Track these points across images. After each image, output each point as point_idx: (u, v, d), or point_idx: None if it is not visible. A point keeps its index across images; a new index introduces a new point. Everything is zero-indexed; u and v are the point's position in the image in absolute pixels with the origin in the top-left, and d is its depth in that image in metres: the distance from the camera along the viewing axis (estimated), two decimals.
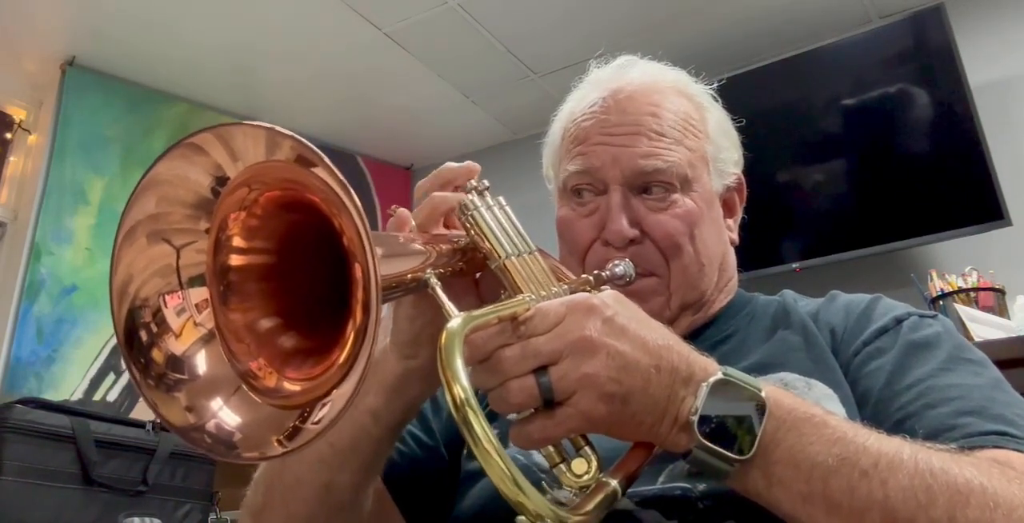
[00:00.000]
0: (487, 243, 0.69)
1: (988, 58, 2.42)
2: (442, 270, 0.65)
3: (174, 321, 0.57)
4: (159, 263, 0.57)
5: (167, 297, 0.57)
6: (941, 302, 1.97)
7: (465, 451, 0.90)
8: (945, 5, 2.36)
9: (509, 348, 0.58)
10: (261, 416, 0.55)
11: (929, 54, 2.37)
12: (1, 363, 2.51)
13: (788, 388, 0.77)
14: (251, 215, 0.58)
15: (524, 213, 0.74)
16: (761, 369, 0.81)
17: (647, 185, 0.89)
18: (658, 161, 0.87)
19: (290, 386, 0.56)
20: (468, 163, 0.77)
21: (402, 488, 0.87)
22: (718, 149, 0.94)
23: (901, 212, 2.31)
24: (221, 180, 0.56)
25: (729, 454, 0.57)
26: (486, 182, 0.74)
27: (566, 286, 0.69)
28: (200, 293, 0.58)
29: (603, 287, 0.73)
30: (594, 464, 0.60)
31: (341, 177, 0.50)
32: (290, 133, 0.51)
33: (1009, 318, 1.90)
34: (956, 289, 1.97)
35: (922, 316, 0.85)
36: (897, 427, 0.70)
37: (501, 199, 0.73)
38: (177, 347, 0.57)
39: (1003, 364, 0.83)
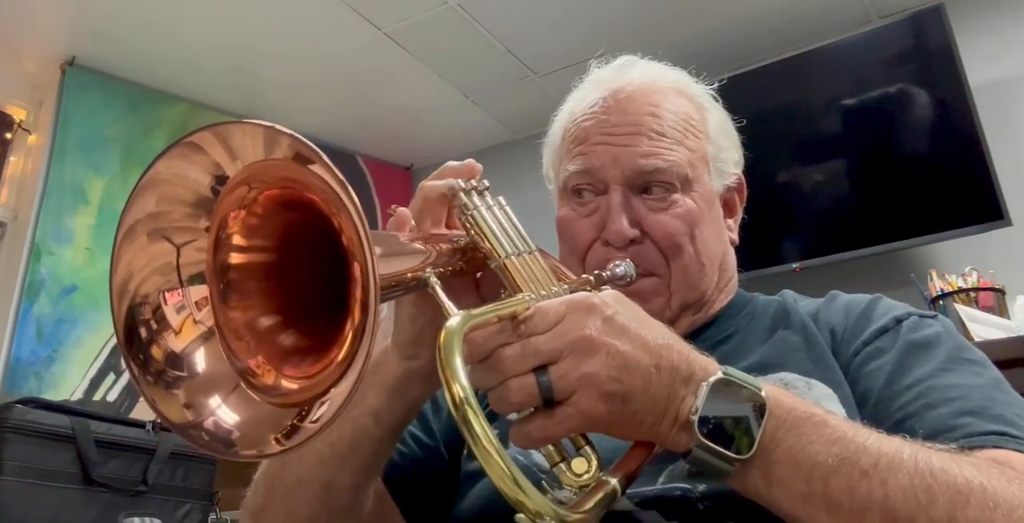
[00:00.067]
0: (487, 243, 0.69)
1: (988, 58, 2.42)
2: (442, 269, 0.65)
3: (174, 318, 0.58)
4: (159, 261, 0.58)
5: (167, 294, 0.58)
6: (941, 302, 1.97)
7: (465, 451, 0.90)
8: (945, 5, 2.36)
9: (509, 347, 0.58)
10: (259, 414, 0.55)
11: (929, 54, 2.37)
12: (1, 363, 2.51)
13: (788, 388, 0.77)
14: (251, 214, 0.58)
15: (524, 213, 0.74)
16: (761, 369, 0.81)
17: (647, 185, 0.89)
18: (659, 160, 0.87)
19: (288, 384, 0.56)
20: (469, 161, 0.77)
21: (402, 488, 0.87)
22: (718, 149, 0.95)
23: (901, 212, 2.31)
24: (220, 179, 0.56)
25: (729, 454, 0.57)
26: (486, 182, 0.74)
27: (566, 286, 0.69)
28: (200, 291, 0.58)
29: (603, 287, 0.73)
30: (594, 463, 0.60)
31: (340, 175, 0.50)
32: (288, 131, 0.51)
33: (1009, 318, 1.90)
34: (956, 289, 1.97)
35: (922, 316, 0.85)
36: (897, 427, 0.70)
37: (501, 199, 0.73)
38: (177, 344, 0.57)
39: (1003, 364, 0.83)
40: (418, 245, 0.66)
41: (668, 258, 0.88)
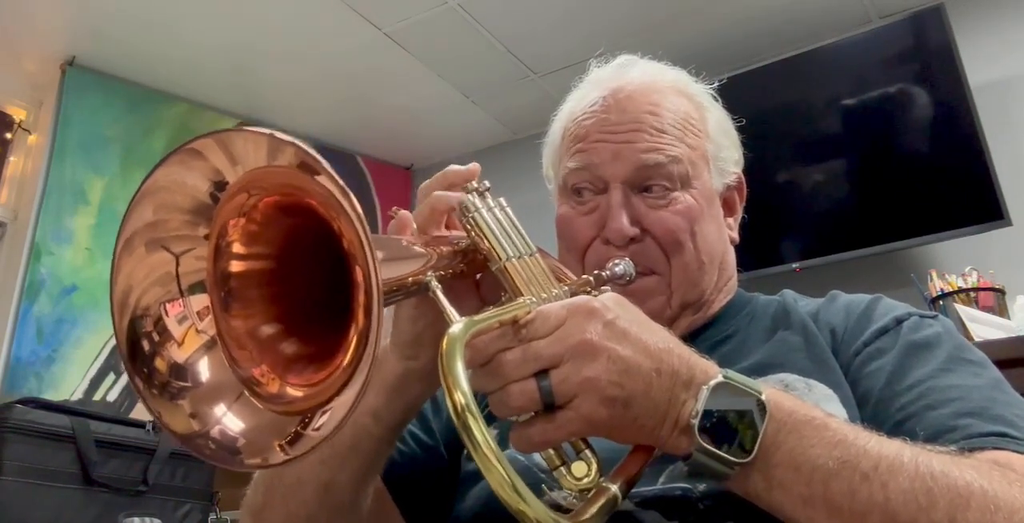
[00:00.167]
0: (487, 245, 0.69)
1: (988, 58, 2.42)
2: (443, 272, 0.65)
3: (176, 329, 0.57)
4: (159, 271, 0.57)
5: (168, 305, 0.57)
6: (941, 302, 1.97)
7: (465, 452, 0.90)
8: (945, 5, 2.36)
9: (510, 352, 0.58)
10: (264, 422, 0.55)
11: (929, 54, 2.37)
12: (1, 363, 2.51)
13: (788, 389, 0.77)
14: (251, 221, 0.58)
15: (524, 213, 0.74)
16: (761, 370, 0.81)
17: (648, 182, 0.89)
18: (660, 155, 0.88)
19: (292, 392, 0.56)
20: (472, 165, 0.77)
21: (402, 488, 0.87)
22: (718, 148, 0.95)
23: (901, 212, 2.31)
24: (220, 185, 0.55)
25: (729, 457, 0.58)
26: (487, 183, 0.74)
27: (567, 287, 0.69)
28: (201, 300, 0.58)
29: (603, 287, 0.73)
30: (594, 467, 0.60)
31: (342, 183, 0.49)
32: (291, 139, 0.51)
33: (1009, 318, 1.90)
34: (956, 289, 1.97)
35: (922, 316, 0.85)
36: (897, 428, 0.70)
37: (502, 200, 0.73)
38: (180, 355, 0.57)
39: (1003, 364, 0.83)
40: (419, 248, 0.65)
41: (669, 255, 0.88)
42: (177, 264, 0.57)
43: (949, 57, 2.30)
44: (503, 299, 0.67)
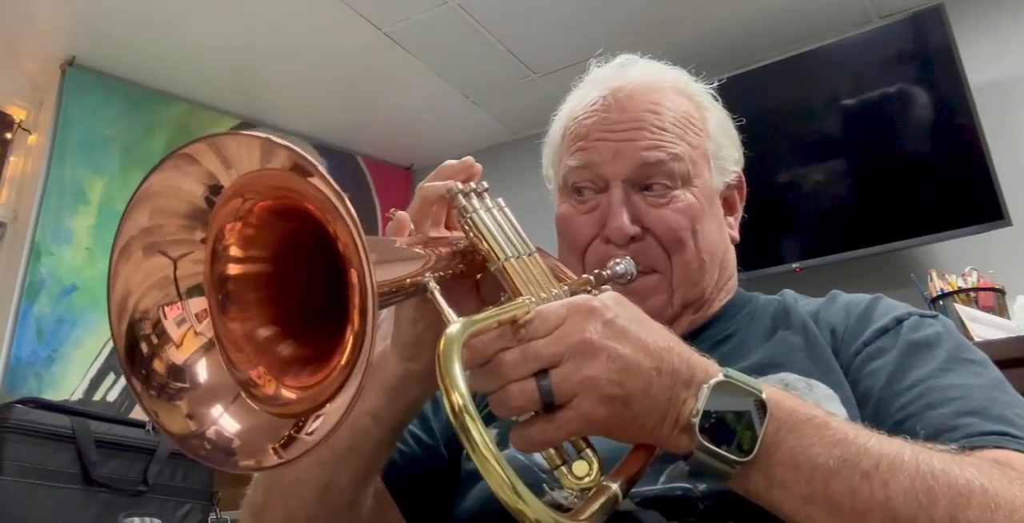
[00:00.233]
0: (486, 245, 0.69)
1: (988, 58, 2.42)
2: (441, 273, 0.65)
3: (174, 331, 0.57)
4: (156, 275, 0.57)
5: (167, 308, 0.57)
6: (941, 302, 1.97)
7: (465, 452, 0.90)
8: (945, 5, 2.36)
9: (509, 352, 0.58)
10: (259, 424, 0.55)
11: (929, 54, 2.37)
12: (1, 363, 2.50)
13: (789, 389, 0.77)
14: (246, 225, 0.58)
15: (523, 213, 0.74)
16: (761, 369, 0.81)
17: (649, 181, 0.89)
18: (661, 153, 0.88)
19: (289, 394, 0.56)
20: (467, 159, 0.77)
21: (402, 488, 0.87)
22: (719, 147, 0.95)
23: (901, 212, 2.31)
24: (214, 189, 0.56)
25: (730, 456, 0.57)
26: (485, 184, 0.74)
27: (566, 287, 0.69)
28: (199, 303, 0.58)
29: (604, 286, 0.73)
30: (595, 466, 0.60)
31: (335, 185, 0.50)
32: (284, 142, 0.51)
33: (1009, 318, 1.90)
34: (956, 289, 1.97)
35: (923, 316, 0.85)
36: (898, 427, 0.70)
37: (500, 200, 0.72)
38: (178, 357, 0.57)
39: (1003, 364, 0.83)
40: (417, 249, 0.65)
41: (669, 253, 0.88)
42: (175, 268, 0.57)
43: (949, 57, 2.31)
44: (502, 299, 0.67)
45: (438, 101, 3.15)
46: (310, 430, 0.51)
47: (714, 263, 0.92)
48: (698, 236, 0.89)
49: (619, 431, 0.59)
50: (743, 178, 1.00)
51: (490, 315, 0.58)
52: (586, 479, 0.59)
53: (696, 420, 0.58)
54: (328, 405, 0.51)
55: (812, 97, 2.55)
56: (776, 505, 0.59)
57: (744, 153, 1.01)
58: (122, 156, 2.89)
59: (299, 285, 0.61)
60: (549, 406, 0.57)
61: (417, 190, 0.75)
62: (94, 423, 1.96)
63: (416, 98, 3.13)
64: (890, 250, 2.32)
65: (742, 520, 0.69)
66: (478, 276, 0.76)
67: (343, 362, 0.52)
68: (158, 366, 0.56)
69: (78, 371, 2.62)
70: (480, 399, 0.60)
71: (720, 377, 0.60)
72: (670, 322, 0.87)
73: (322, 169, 0.50)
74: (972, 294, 1.95)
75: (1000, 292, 1.97)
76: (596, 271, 0.76)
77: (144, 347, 0.57)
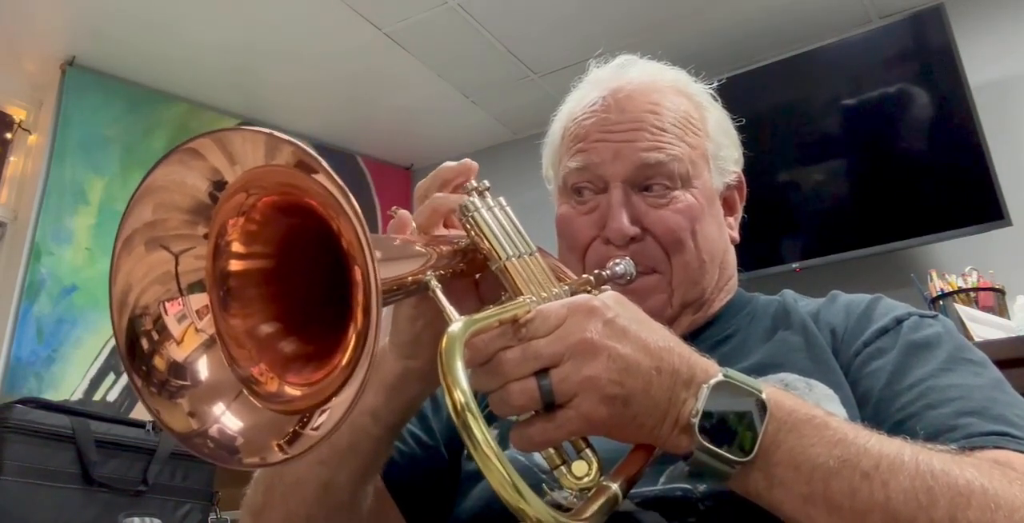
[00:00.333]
0: (487, 244, 0.69)
1: (988, 58, 2.42)
2: (442, 272, 0.65)
3: (175, 328, 0.57)
4: (158, 270, 0.57)
5: (167, 304, 0.57)
6: (941, 302, 1.97)
7: (465, 452, 0.90)
8: (945, 5, 2.36)
9: (510, 351, 0.58)
10: (262, 421, 0.55)
11: (929, 54, 2.37)
12: (1, 363, 2.51)
13: (789, 389, 0.77)
14: (250, 220, 0.57)
15: (524, 213, 0.74)
16: (761, 369, 0.81)
17: (648, 182, 0.89)
18: (661, 154, 0.88)
19: (291, 391, 0.56)
20: (465, 161, 0.77)
21: (402, 487, 0.87)
22: (718, 147, 0.95)
23: (901, 212, 2.31)
24: (219, 184, 0.55)
25: (730, 456, 0.57)
26: (486, 182, 0.74)
27: (567, 287, 0.69)
28: (200, 299, 0.58)
29: (604, 286, 0.73)
30: (595, 466, 0.60)
31: (340, 182, 0.49)
32: (289, 138, 0.51)
33: (1009, 318, 1.90)
34: (956, 289, 1.97)
35: (923, 316, 0.85)
36: (898, 427, 0.70)
37: (501, 200, 0.72)
38: (179, 354, 0.57)
39: (1003, 364, 0.83)
40: (418, 248, 0.65)
41: (669, 254, 0.88)
42: (176, 263, 0.57)
43: (949, 57, 2.31)
44: (503, 298, 0.67)
45: (438, 101, 3.15)
46: (315, 425, 0.51)
47: (714, 263, 0.92)
48: (698, 236, 0.89)
49: (619, 431, 0.59)
50: (743, 178, 1.00)
51: (491, 314, 0.58)
52: (586, 479, 0.59)
53: (696, 420, 0.58)
54: (333, 399, 0.51)
55: (812, 97, 2.55)
56: (776, 505, 0.59)
57: (744, 153, 1.01)
58: (122, 156, 2.89)
59: (301, 282, 0.61)
60: (549, 406, 0.57)
61: (429, 199, 0.75)
62: (94, 423, 1.96)
63: (416, 98, 3.13)
64: (890, 250, 2.32)
65: (742, 521, 0.69)
66: (478, 275, 0.76)
67: (346, 359, 0.52)
68: (159, 363, 0.56)
69: (78, 371, 2.62)
70: (480, 399, 0.60)
71: (720, 377, 0.60)
72: (670, 322, 0.87)
73: (326, 165, 0.50)
74: (972, 294, 1.95)
75: (1000, 292, 1.97)
76: (596, 271, 0.76)
77: (145, 343, 0.57)
